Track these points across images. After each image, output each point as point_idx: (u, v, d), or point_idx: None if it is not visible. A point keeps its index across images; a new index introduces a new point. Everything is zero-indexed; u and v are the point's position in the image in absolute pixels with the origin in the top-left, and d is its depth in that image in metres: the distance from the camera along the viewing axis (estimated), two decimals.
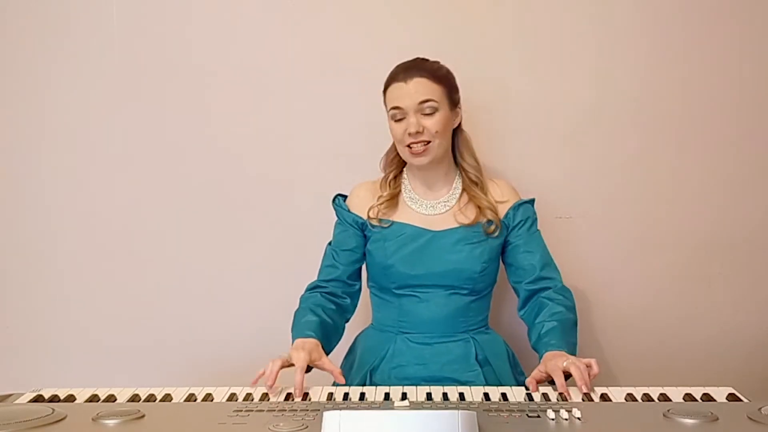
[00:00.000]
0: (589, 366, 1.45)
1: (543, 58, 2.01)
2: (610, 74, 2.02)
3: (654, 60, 2.01)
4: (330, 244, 1.82)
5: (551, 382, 1.48)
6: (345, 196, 1.84)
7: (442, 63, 1.74)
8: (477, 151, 1.81)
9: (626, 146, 2.04)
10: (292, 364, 1.49)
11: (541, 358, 1.58)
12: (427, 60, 1.73)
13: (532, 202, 1.81)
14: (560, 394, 1.41)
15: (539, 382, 1.48)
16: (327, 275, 1.78)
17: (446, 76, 1.72)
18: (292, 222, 2.06)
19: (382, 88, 1.74)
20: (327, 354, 1.60)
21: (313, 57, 2.02)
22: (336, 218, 1.83)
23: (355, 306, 1.81)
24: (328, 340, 1.66)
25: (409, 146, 1.69)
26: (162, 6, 2.03)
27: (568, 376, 1.46)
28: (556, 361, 1.48)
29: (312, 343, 1.57)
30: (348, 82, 2.02)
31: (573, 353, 1.57)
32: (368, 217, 1.76)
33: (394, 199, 1.78)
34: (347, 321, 1.79)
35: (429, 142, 1.68)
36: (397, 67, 1.73)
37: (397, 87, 1.69)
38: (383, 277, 1.75)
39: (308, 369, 1.51)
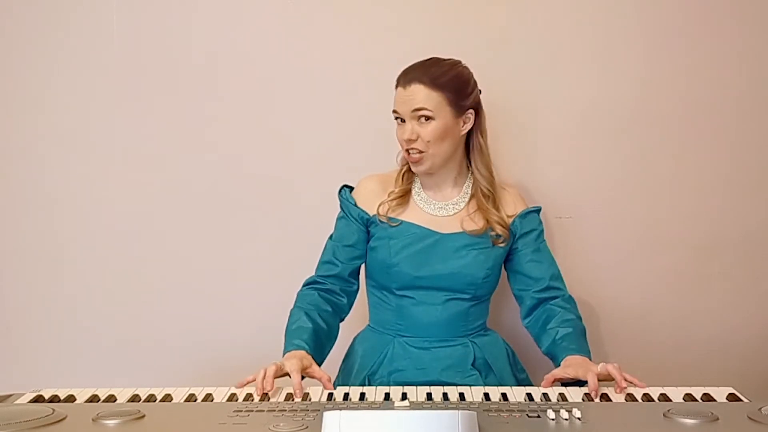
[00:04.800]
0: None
1: (543, 58, 2.01)
2: (610, 74, 2.01)
3: (654, 60, 2.01)
4: (331, 238, 1.79)
5: (565, 384, 1.49)
6: (351, 188, 1.81)
7: (459, 64, 1.69)
8: None
9: (626, 146, 2.04)
10: (286, 373, 1.48)
11: (559, 361, 1.58)
12: (439, 62, 1.66)
13: (538, 211, 1.80)
14: (560, 394, 1.41)
15: (560, 381, 1.49)
16: (326, 271, 1.76)
17: (451, 81, 1.63)
18: (293, 222, 2.06)
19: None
20: (321, 361, 1.60)
21: (314, 56, 2.02)
22: (340, 211, 1.79)
23: (351, 306, 1.79)
24: (321, 347, 1.65)
25: (407, 151, 1.68)
26: (162, 6, 2.02)
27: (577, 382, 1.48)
28: (588, 366, 1.49)
29: (301, 353, 1.55)
30: (349, 81, 2.02)
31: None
32: (377, 213, 1.73)
33: (405, 196, 1.75)
34: (342, 320, 1.77)
35: (422, 151, 1.66)
36: (407, 67, 1.68)
37: (398, 91, 1.66)
38: (385, 276, 1.73)
39: (302, 377, 1.50)
